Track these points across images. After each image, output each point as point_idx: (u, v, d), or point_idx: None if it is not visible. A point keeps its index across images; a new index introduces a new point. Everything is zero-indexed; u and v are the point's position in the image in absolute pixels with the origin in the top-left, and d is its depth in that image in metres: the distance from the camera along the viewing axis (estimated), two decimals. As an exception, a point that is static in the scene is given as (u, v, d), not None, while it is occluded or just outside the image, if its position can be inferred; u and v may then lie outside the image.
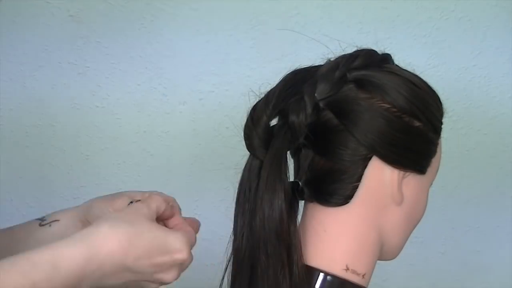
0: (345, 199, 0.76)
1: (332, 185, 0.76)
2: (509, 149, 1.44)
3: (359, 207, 0.76)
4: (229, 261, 0.77)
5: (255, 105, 0.80)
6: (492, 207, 1.47)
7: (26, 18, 1.30)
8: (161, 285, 0.71)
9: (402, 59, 0.84)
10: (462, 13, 1.37)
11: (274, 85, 0.81)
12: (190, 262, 0.73)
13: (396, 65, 0.82)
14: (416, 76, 0.79)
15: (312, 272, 0.75)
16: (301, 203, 0.81)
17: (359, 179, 0.75)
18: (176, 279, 0.70)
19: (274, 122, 0.85)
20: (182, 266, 0.72)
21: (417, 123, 0.76)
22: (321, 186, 0.76)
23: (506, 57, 1.39)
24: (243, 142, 0.81)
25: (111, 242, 0.63)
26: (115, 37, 1.32)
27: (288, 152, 0.79)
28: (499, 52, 1.39)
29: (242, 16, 1.33)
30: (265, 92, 0.81)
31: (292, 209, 0.76)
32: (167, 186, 1.38)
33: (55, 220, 0.82)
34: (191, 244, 0.74)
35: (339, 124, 0.75)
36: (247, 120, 0.79)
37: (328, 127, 0.76)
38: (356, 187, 0.75)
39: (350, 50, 0.82)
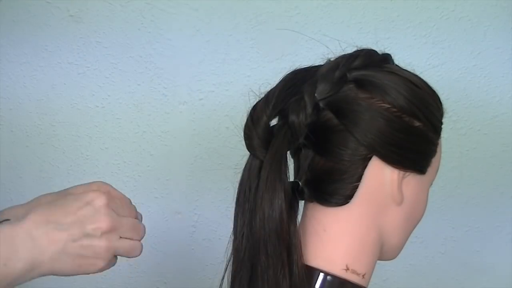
0: (345, 199, 0.76)
1: (332, 185, 0.76)
2: (509, 149, 1.44)
3: (359, 207, 0.76)
4: (229, 261, 0.77)
5: (255, 105, 0.80)
6: (492, 207, 1.47)
7: (26, 18, 1.30)
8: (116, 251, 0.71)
9: (402, 59, 0.84)
10: (462, 13, 1.37)
11: (274, 85, 0.81)
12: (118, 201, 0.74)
13: (396, 65, 0.82)
14: (416, 76, 0.79)
15: (312, 272, 0.75)
16: (301, 203, 0.81)
17: (359, 179, 0.75)
18: (110, 223, 0.70)
19: (274, 122, 0.85)
20: (109, 212, 0.72)
21: (417, 123, 0.76)
22: (321, 186, 0.76)
23: (506, 57, 1.39)
24: (243, 142, 0.81)
25: (34, 212, 0.67)
26: (115, 37, 1.32)
27: (288, 152, 0.79)
28: (499, 52, 1.39)
29: (242, 16, 1.33)
30: (265, 92, 0.81)
31: (292, 209, 0.76)
32: (167, 186, 1.38)
33: (6, 220, 0.80)
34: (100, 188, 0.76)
35: (339, 124, 0.75)
36: (247, 120, 0.79)
37: (328, 127, 0.76)
38: (356, 187, 0.75)
39: (350, 50, 0.82)
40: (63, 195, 0.73)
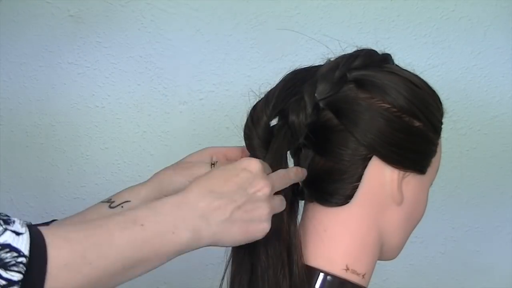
0: (345, 199, 0.76)
1: (332, 185, 0.76)
2: (509, 149, 1.44)
3: (359, 207, 0.76)
4: (229, 261, 0.77)
5: (255, 105, 0.80)
6: (492, 207, 1.47)
7: (26, 18, 1.30)
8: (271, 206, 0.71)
9: (402, 59, 0.84)
10: (462, 13, 1.37)
11: (274, 85, 0.81)
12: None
13: (396, 65, 0.82)
14: (416, 76, 0.79)
15: (312, 272, 0.75)
16: (301, 203, 0.81)
17: (359, 179, 0.75)
18: (270, 185, 0.70)
19: (273, 122, 0.85)
20: (265, 174, 0.72)
21: (417, 123, 0.76)
22: (321, 186, 0.76)
23: (506, 57, 1.39)
24: (243, 142, 0.81)
25: (196, 187, 0.67)
26: (115, 37, 1.32)
27: (288, 152, 0.79)
28: (499, 52, 1.39)
29: (242, 16, 1.33)
30: (265, 92, 0.81)
31: (292, 209, 0.76)
32: (167, 186, 1.39)
33: (126, 201, 0.84)
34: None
35: (339, 124, 0.75)
36: (247, 120, 0.79)
37: (328, 127, 0.76)
38: (356, 187, 0.75)
39: (350, 50, 0.82)
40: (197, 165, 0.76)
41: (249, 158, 0.73)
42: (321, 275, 0.75)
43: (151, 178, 0.86)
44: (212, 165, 0.80)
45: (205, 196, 0.67)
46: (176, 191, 0.74)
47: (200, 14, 1.32)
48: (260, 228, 0.70)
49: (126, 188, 0.86)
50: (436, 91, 0.80)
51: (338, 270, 0.75)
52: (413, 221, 0.81)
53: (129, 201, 0.84)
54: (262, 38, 1.34)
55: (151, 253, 0.63)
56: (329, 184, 0.76)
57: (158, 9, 1.32)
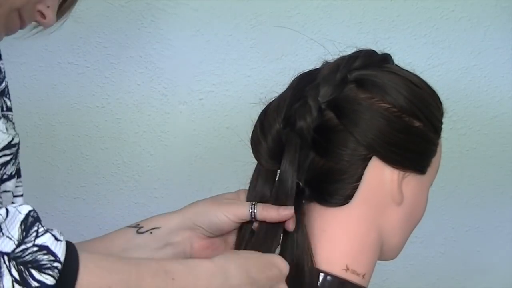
0: (345, 199, 0.76)
1: (332, 185, 0.76)
2: (509, 149, 1.44)
3: (359, 207, 0.76)
4: None
5: (265, 111, 0.80)
6: (492, 207, 1.47)
7: (26, 18, 1.29)
8: None
9: (402, 59, 0.84)
10: (462, 13, 1.37)
11: (280, 90, 0.81)
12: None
13: (396, 65, 0.82)
14: (416, 76, 0.79)
15: (312, 272, 0.75)
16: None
17: (359, 179, 0.75)
18: None
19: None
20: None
21: (417, 123, 0.76)
22: (321, 186, 0.76)
23: (506, 57, 1.39)
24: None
25: (237, 261, 0.68)
26: (115, 37, 1.32)
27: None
28: (499, 52, 1.39)
29: (242, 16, 1.33)
30: (269, 99, 0.81)
31: (298, 211, 0.76)
32: (167, 186, 1.39)
33: (156, 228, 0.80)
34: None
35: (339, 124, 0.75)
36: (256, 128, 0.79)
37: (329, 126, 0.76)
38: (356, 187, 0.75)
39: (350, 50, 0.82)
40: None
41: (280, 257, 0.72)
42: (321, 275, 0.75)
43: (185, 207, 0.82)
44: (253, 205, 0.77)
45: (241, 276, 0.68)
46: (211, 224, 0.77)
47: (200, 14, 1.32)
48: None
49: (158, 215, 0.83)
50: (436, 91, 0.80)
51: (338, 270, 0.75)
52: (413, 221, 0.81)
53: (159, 227, 0.80)
54: (262, 38, 1.34)
55: None
56: (329, 185, 0.76)
57: (158, 9, 1.32)
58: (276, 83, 1.36)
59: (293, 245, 0.75)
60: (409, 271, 1.48)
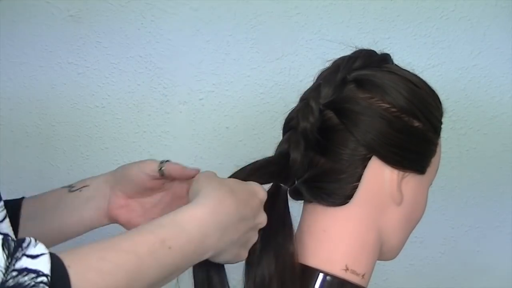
0: (345, 199, 0.76)
1: (332, 185, 0.76)
2: (509, 149, 1.43)
3: (358, 207, 0.76)
4: None
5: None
6: (492, 207, 1.47)
7: (26, 18, 1.30)
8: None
9: (402, 59, 0.84)
10: (462, 13, 1.37)
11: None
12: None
13: (396, 65, 0.82)
14: (416, 75, 0.79)
15: (311, 272, 0.75)
16: (300, 203, 0.81)
17: (358, 179, 0.75)
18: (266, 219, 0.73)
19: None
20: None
21: (416, 123, 0.76)
22: (321, 186, 0.76)
23: (506, 57, 1.39)
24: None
25: (225, 203, 0.67)
26: (115, 37, 1.32)
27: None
28: (499, 52, 1.39)
29: (242, 16, 1.33)
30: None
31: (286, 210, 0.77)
32: (167, 186, 1.38)
33: (85, 186, 0.87)
34: None
35: (339, 123, 0.75)
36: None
37: (329, 126, 0.76)
38: (356, 187, 0.76)
39: (350, 50, 0.82)
40: (224, 180, 0.73)
41: (257, 184, 0.73)
42: (321, 275, 0.75)
43: (111, 171, 0.88)
44: (162, 163, 0.83)
45: (233, 217, 0.68)
46: (126, 178, 0.83)
47: (200, 14, 1.32)
48: (244, 255, 0.72)
49: (88, 177, 0.89)
50: (436, 91, 0.80)
51: (337, 270, 0.75)
52: (412, 221, 0.81)
53: (88, 185, 0.87)
54: (262, 38, 1.34)
55: (175, 271, 0.65)
56: (328, 184, 0.76)
57: (158, 9, 1.32)
58: (276, 83, 1.37)
59: (277, 244, 0.75)
60: (409, 271, 1.48)
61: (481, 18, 1.37)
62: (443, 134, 0.82)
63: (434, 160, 0.79)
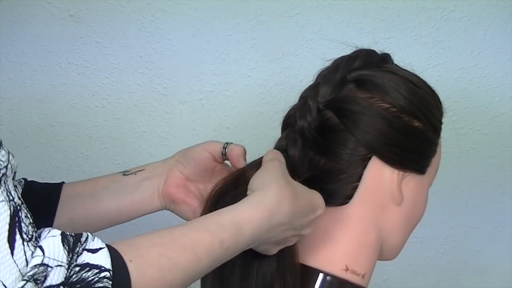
0: (345, 199, 0.76)
1: (332, 185, 0.76)
2: (509, 149, 1.43)
3: (358, 207, 0.76)
4: None
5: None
6: (492, 207, 1.47)
7: (26, 18, 1.30)
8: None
9: (402, 59, 0.84)
10: (462, 13, 1.37)
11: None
12: None
13: (396, 64, 0.82)
14: (416, 75, 0.79)
15: (311, 273, 0.75)
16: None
17: (358, 179, 0.75)
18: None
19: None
20: None
21: (416, 123, 0.76)
22: (321, 186, 0.76)
23: (506, 57, 1.39)
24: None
25: (283, 205, 0.67)
26: (115, 37, 1.32)
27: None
28: (499, 52, 1.39)
29: (242, 16, 1.33)
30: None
31: None
32: (167, 186, 1.38)
33: (141, 170, 0.88)
34: None
35: (339, 123, 0.75)
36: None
37: (328, 126, 0.76)
38: (356, 187, 0.76)
39: (350, 50, 0.82)
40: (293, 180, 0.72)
41: (321, 198, 0.73)
42: (321, 276, 0.75)
43: (169, 157, 0.89)
44: (224, 147, 0.83)
45: (286, 220, 0.68)
46: (187, 157, 0.83)
47: (200, 14, 1.32)
48: (273, 251, 0.73)
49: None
50: (436, 91, 0.80)
51: (337, 270, 0.75)
52: (412, 221, 0.81)
53: (143, 169, 0.87)
54: (262, 38, 1.34)
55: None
56: (328, 184, 0.76)
57: (158, 9, 1.32)
58: (276, 83, 1.37)
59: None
60: (409, 271, 1.48)
61: (481, 18, 1.37)
62: (443, 134, 0.82)
63: (434, 160, 0.79)
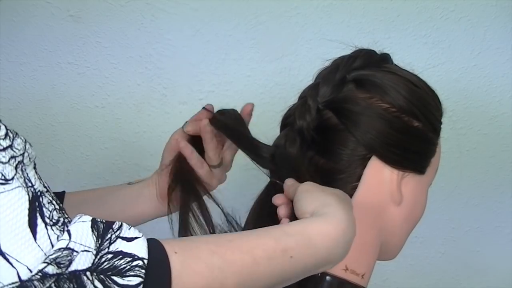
0: (345, 199, 0.76)
1: (332, 185, 0.76)
2: (509, 149, 1.44)
3: (358, 207, 0.76)
4: None
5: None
6: (492, 207, 1.47)
7: (26, 18, 1.30)
8: None
9: (402, 59, 0.84)
10: (462, 13, 1.37)
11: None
12: None
13: (395, 65, 0.82)
14: (416, 76, 0.79)
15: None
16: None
17: (358, 179, 0.75)
18: None
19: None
20: None
21: (416, 123, 0.76)
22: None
23: (506, 57, 1.39)
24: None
25: (346, 217, 0.65)
26: (115, 37, 1.32)
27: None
28: (499, 52, 1.39)
29: (242, 16, 1.33)
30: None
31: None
32: (167, 186, 1.38)
33: (141, 180, 0.95)
34: None
35: (339, 123, 0.75)
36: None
37: (328, 126, 0.76)
38: (355, 187, 0.76)
39: (350, 50, 0.82)
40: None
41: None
42: (320, 275, 0.75)
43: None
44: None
45: (352, 226, 0.66)
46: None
47: (200, 14, 1.32)
48: None
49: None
50: (436, 91, 0.80)
51: (337, 270, 0.75)
52: (412, 221, 0.81)
53: (143, 179, 0.94)
54: (262, 38, 1.34)
55: (288, 280, 0.62)
56: (328, 184, 0.76)
57: (158, 9, 1.32)
58: (276, 83, 1.37)
59: None
60: (409, 271, 1.48)
61: (481, 18, 1.37)
62: (443, 134, 0.82)
63: (434, 160, 0.79)
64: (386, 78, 0.76)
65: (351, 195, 0.76)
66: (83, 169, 1.36)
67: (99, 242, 0.53)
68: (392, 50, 0.85)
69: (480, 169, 1.44)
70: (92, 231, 0.54)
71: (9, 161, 0.54)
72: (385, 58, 0.81)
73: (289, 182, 0.74)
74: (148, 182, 0.93)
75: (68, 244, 0.52)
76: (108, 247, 0.53)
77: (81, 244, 0.53)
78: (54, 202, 0.56)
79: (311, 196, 0.68)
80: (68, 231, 0.53)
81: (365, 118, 0.74)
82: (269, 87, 1.35)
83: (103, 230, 0.54)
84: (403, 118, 0.75)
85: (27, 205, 0.53)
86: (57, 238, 0.53)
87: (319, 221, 0.64)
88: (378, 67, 0.79)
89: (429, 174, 0.79)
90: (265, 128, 1.35)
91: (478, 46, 1.38)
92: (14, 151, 0.56)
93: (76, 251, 0.52)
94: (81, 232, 0.53)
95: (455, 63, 1.39)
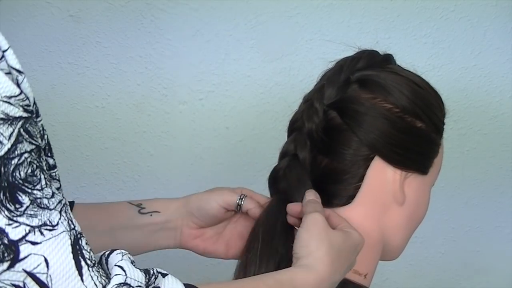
0: (347, 199, 0.76)
1: (335, 186, 0.76)
2: (509, 149, 1.44)
3: (361, 207, 0.76)
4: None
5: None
6: (492, 207, 1.47)
7: (26, 18, 1.29)
8: None
9: (402, 60, 0.84)
10: (462, 13, 1.37)
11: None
12: None
13: (398, 65, 0.82)
14: (419, 76, 0.79)
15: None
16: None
17: (361, 179, 0.75)
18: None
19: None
20: None
21: (419, 124, 0.76)
22: (324, 186, 0.76)
23: (506, 57, 1.39)
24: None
25: (327, 268, 0.68)
26: (115, 37, 1.32)
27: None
28: (499, 52, 1.39)
29: (242, 16, 1.33)
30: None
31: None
32: (167, 186, 1.38)
33: (155, 211, 0.85)
34: None
35: (342, 123, 0.76)
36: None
37: (332, 126, 0.76)
38: (358, 187, 0.76)
39: (350, 50, 0.82)
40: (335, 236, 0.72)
41: (359, 234, 0.73)
42: (323, 275, 0.75)
43: (185, 196, 0.87)
44: (241, 199, 0.82)
45: (340, 276, 0.70)
46: (201, 210, 0.82)
47: (200, 14, 1.32)
48: None
49: (157, 198, 0.88)
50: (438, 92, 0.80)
51: (339, 270, 0.75)
52: (415, 221, 0.81)
53: (159, 212, 0.85)
54: (262, 38, 1.34)
55: None
56: (331, 185, 0.76)
57: (158, 9, 1.31)
58: (276, 83, 1.37)
59: None
60: (409, 271, 1.48)
61: (481, 18, 1.37)
62: (444, 134, 0.82)
63: (436, 160, 0.79)
64: (389, 78, 0.76)
65: (354, 195, 0.76)
66: (83, 169, 1.36)
67: (147, 277, 0.57)
68: (392, 50, 0.85)
69: (481, 169, 1.44)
70: (135, 266, 0.57)
71: (56, 206, 0.57)
72: (388, 58, 0.81)
73: (309, 197, 0.75)
74: (165, 225, 0.86)
75: (126, 280, 0.55)
76: (154, 282, 0.57)
77: (135, 280, 0.56)
78: (88, 242, 0.58)
79: (307, 236, 0.70)
80: (121, 267, 0.56)
81: (369, 118, 0.74)
82: (269, 87, 1.35)
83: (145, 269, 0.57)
84: (406, 119, 0.75)
85: (70, 249, 0.55)
86: (98, 278, 0.55)
87: (304, 270, 0.67)
88: (381, 67, 0.79)
89: (432, 175, 0.79)
90: (265, 128, 1.36)
91: (478, 46, 1.39)
92: (59, 194, 0.59)
93: (132, 286, 0.55)
94: (132, 268, 0.56)
95: (455, 63, 1.39)
